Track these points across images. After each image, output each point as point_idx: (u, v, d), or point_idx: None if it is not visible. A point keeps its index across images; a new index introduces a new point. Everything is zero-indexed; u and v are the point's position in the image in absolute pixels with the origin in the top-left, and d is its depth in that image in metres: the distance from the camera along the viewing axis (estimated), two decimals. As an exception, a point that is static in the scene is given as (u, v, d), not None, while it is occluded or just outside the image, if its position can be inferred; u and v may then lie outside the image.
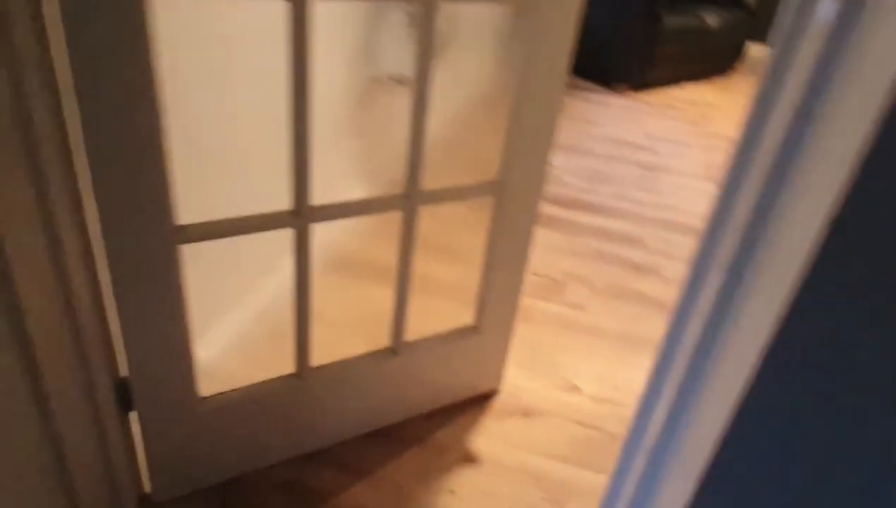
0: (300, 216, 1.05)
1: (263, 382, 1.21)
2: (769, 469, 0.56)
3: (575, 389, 1.63)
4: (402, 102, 1.13)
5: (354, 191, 1.14)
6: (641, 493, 0.85)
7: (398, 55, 1.15)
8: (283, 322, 1.17)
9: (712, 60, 4.33)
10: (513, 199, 1.28)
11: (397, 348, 1.32)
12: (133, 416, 1.11)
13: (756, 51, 5.11)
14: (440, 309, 1.41)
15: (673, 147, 3.26)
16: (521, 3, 1.08)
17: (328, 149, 1.13)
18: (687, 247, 2.35)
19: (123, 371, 1.05)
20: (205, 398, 1.15)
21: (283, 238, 1.09)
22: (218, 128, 1.01)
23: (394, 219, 1.17)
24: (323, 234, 1.15)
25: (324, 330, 1.24)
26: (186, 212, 0.96)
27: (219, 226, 0.99)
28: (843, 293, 0.45)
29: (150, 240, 0.94)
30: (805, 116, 0.55)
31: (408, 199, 1.15)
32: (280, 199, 1.05)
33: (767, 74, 0.64)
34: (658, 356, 0.86)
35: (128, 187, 0.88)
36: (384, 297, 1.28)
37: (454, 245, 1.38)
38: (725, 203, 0.72)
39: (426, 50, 1.02)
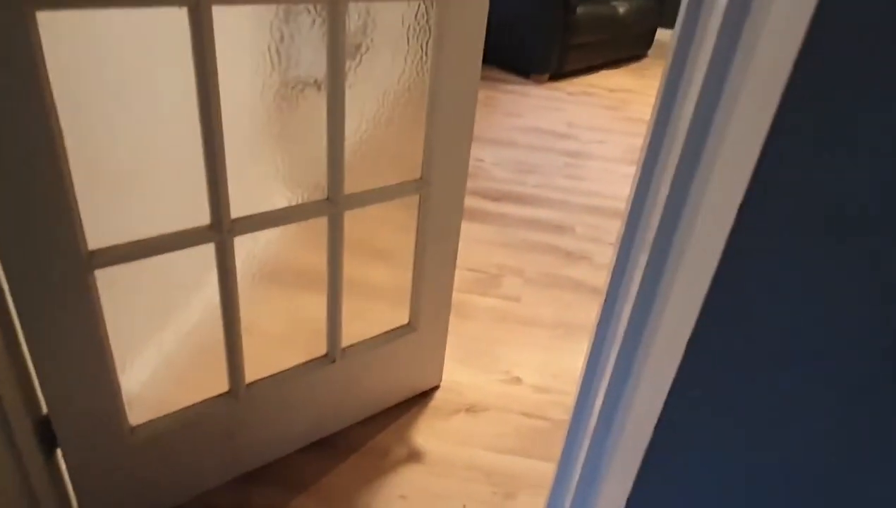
0: (220, 230, 1.01)
1: (197, 404, 1.16)
2: (707, 445, 0.58)
3: (516, 380, 1.64)
4: (320, 106, 1.11)
5: (280, 199, 1.11)
6: (587, 477, 0.86)
7: (312, 58, 1.13)
8: (215, 339, 1.13)
9: (626, 47, 4.46)
10: (437, 196, 1.27)
11: (334, 355, 1.30)
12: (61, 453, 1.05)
13: (666, 36, 5.30)
14: (375, 311, 1.39)
15: (594, 133, 3.33)
16: (431, 1, 1.08)
17: (248, 159, 1.10)
18: (615, 231, 2.42)
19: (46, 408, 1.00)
20: (135, 427, 1.09)
21: (207, 253, 1.05)
22: (127, 146, 0.96)
23: (321, 224, 1.15)
24: (248, 245, 1.12)
25: (258, 343, 1.20)
26: (99, 235, 0.91)
27: (134, 247, 0.94)
28: (763, 264, 0.46)
29: (59, 269, 0.88)
30: (711, 95, 0.56)
31: (332, 204, 1.13)
32: (201, 214, 1.02)
33: (672, 57, 0.66)
34: (592, 341, 0.88)
35: (29, 215, 0.83)
36: (317, 304, 1.26)
37: (383, 245, 1.36)
38: (643, 185, 0.74)
39: (337, 52, 1.00)
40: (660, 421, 0.56)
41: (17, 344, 0.94)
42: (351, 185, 1.15)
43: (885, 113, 0.38)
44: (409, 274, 1.37)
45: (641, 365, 0.72)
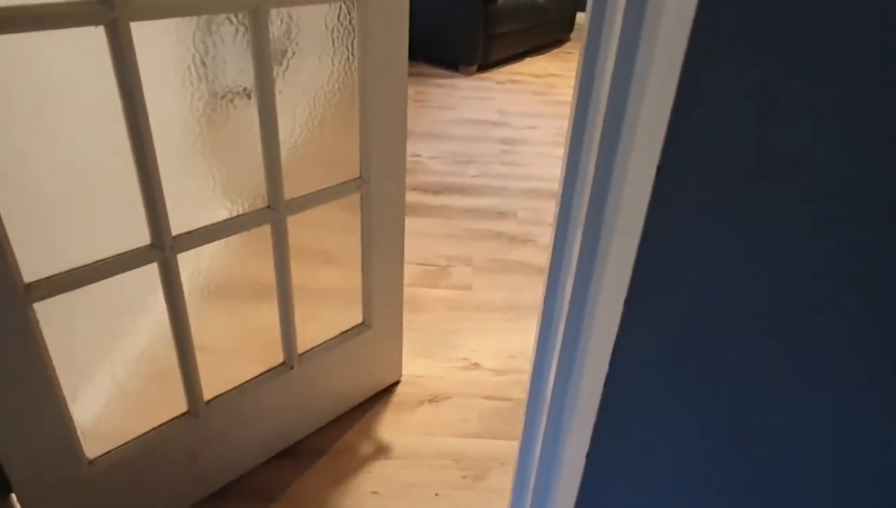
0: (162, 248, 1.00)
1: (156, 428, 1.14)
2: (652, 411, 0.62)
3: (475, 366, 1.67)
4: (252, 114, 1.11)
5: (221, 211, 1.10)
6: (548, 450, 0.89)
7: (239, 67, 1.13)
8: (168, 359, 1.12)
9: (548, 33, 4.55)
10: (378, 193, 1.28)
11: (291, 361, 1.30)
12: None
13: (584, 19, 5.42)
14: (328, 314, 1.40)
15: (525, 119, 3.40)
16: (351, 1, 1.09)
17: (184, 173, 1.08)
18: (554, 211, 2.47)
19: (-8, 451, 0.96)
20: (93, 460, 1.07)
21: (151, 272, 1.03)
22: (55, 170, 0.93)
23: (265, 232, 1.15)
24: (193, 261, 1.11)
25: (213, 358, 1.19)
26: (35, 267, 0.89)
27: (73, 276, 0.92)
28: (686, 225, 0.50)
29: (-5, 305, 0.86)
30: (624, 72, 0.59)
31: (273, 212, 1.13)
32: (141, 233, 1.00)
33: (586, 39, 0.69)
34: (540, 319, 0.91)
35: (-43, 252, 0.80)
36: (270, 313, 1.25)
37: (330, 247, 1.37)
38: (573, 164, 0.77)
39: (263, 60, 1.00)
40: (605, 392, 0.59)
41: (-41, 388, 0.91)
42: (291, 190, 1.15)
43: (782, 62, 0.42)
44: (358, 273, 1.38)
45: (586, 339, 0.75)
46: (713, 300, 0.54)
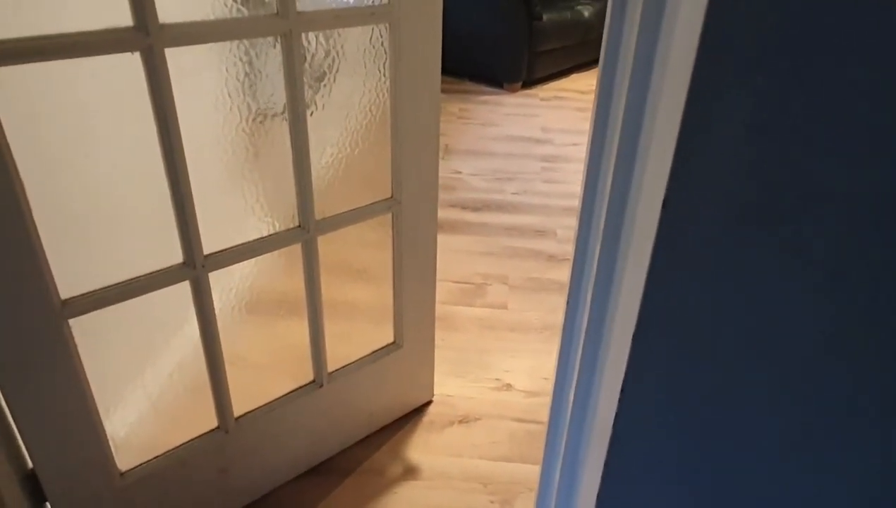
0: (193, 267, 1.02)
1: (187, 443, 1.16)
2: (664, 433, 0.59)
3: (507, 387, 1.65)
4: (284, 134, 1.13)
5: (252, 229, 1.12)
6: (567, 475, 0.87)
7: (274, 89, 1.15)
8: (200, 375, 1.14)
9: (594, 49, 4.51)
10: (409, 213, 1.29)
11: (321, 380, 1.31)
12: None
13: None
14: (359, 332, 1.40)
15: (568, 136, 3.36)
16: (386, 20, 1.10)
17: (217, 192, 1.11)
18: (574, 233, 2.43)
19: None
20: (125, 472, 1.09)
21: (184, 290, 1.05)
22: (92, 191, 0.97)
23: (296, 249, 1.16)
24: (224, 278, 1.13)
25: (243, 374, 1.20)
26: (71, 283, 0.92)
27: (107, 292, 0.95)
28: (693, 253, 0.48)
29: (32, 322, 0.89)
30: (639, 93, 0.58)
31: (304, 231, 1.14)
32: (174, 251, 1.02)
33: (602, 59, 0.68)
34: (561, 339, 0.89)
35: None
36: (301, 330, 1.26)
37: (361, 264, 1.38)
38: (591, 184, 0.75)
39: (295, 82, 1.02)
40: (618, 413, 0.57)
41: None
42: (323, 209, 1.16)
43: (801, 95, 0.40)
44: (390, 291, 1.38)
45: (603, 360, 0.73)
46: (721, 340, 0.52)
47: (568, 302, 0.81)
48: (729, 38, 0.38)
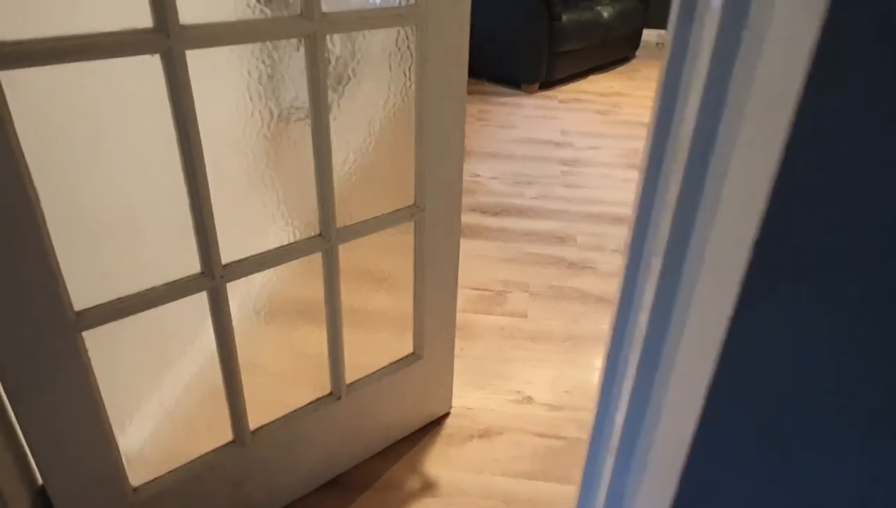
0: (212, 277, 0.98)
1: (201, 456, 1.13)
2: (750, 459, 0.55)
3: (528, 400, 1.60)
4: (306, 136, 1.09)
5: (271, 236, 1.09)
6: (613, 501, 0.82)
7: (295, 89, 1.11)
8: (215, 387, 1.10)
9: (613, 50, 4.45)
10: (432, 220, 1.24)
11: (339, 392, 1.27)
12: (60, 521, 1.01)
13: (652, 36, 5.29)
14: (377, 341, 1.36)
15: (589, 139, 3.31)
16: (413, 21, 1.06)
17: (235, 198, 1.07)
18: (616, 238, 2.38)
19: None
20: (138, 488, 1.06)
21: (200, 299, 1.02)
22: (107, 198, 0.93)
23: (316, 255, 1.12)
24: (242, 286, 1.09)
25: (260, 384, 1.17)
26: (86, 295, 0.89)
27: (122, 304, 0.92)
28: (791, 271, 0.43)
29: (45, 335, 0.85)
30: (716, 96, 0.53)
31: (325, 240, 1.10)
32: (191, 260, 0.99)
33: (669, 57, 0.63)
34: (607, 354, 0.84)
35: (8, 281, 0.80)
36: (318, 338, 1.22)
37: (381, 270, 1.33)
38: (649, 189, 0.70)
39: (318, 87, 0.98)
40: (694, 438, 0.52)
41: (6, 414, 0.92)
42: (344, 217, 1.12)
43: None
44: (410, 299, 1.34)
45: (665, 378, 0.68)
46: (820, 369, 0.47)
47: (617, 311, 0.76)
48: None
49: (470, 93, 3.93)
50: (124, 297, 0.92)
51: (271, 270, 1.11)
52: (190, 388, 1.12)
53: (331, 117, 1.03)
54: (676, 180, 0.61)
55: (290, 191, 1.13)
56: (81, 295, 0.88)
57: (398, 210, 1.20)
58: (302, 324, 1.29)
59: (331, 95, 1.07)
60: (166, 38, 0.81)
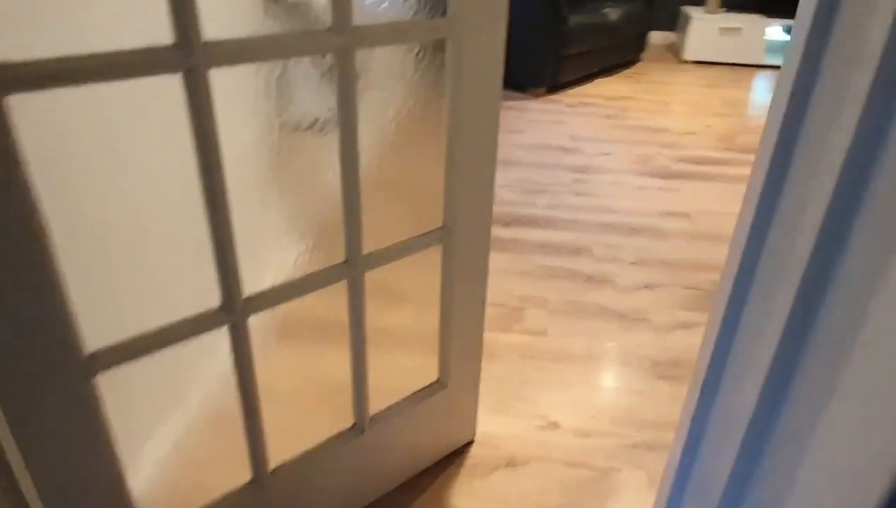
0: (232, 311, 0.91)
1: (218, 500, 1.05)
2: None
3: (554, 426, 1.53)
4: (321, 147, 1.02)
5: (301, 264, 1.01)
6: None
7: (312, 100, 1.03)
8: (231, 424, 1.03)
9: (619, 53, 4.39)
10: (462, 243, 1.17)
11: (362, 425, 1.19)
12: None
13: (658, 39, 5.23)
14: (400, 364, 1.29)
15: (598, 145, 3.24)
16: (448, 34, 0.98)
17: (252, 212, 1.00)
18: (632, 248, 2.31)
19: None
20: (151, 535, 0.98)
21: (221, 334, 0.94)
22: (122, 230, 0.86)
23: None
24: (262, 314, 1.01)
25: (280, 411, 1.09)
26: (97, 334, 0.81)
27: (138, 343, 0.84)
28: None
29: (54, 378, 0.78)
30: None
31: (351, 267, 1.03)
32: (207, 293, 0.91)
33: (792, 66, 0.56)
34: (696, 385, 0.77)
35: (14, 322, 0.72)
36: (338, 360, 1.15)
37: (402, 287, 1.26)
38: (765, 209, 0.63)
39: (348, 103, 0.90)
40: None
41: (8, 463, 0.84)
42: (370, 242, 1.05)
43: None
44: (433, 318, 1.26)
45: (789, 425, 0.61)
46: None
47: (715, 337, 0.69)
48: None
49: (475, 96, 3.86)
50: (138, 336, 0.84)
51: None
52: (205, 425, 1.05)
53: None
54: (820, 206, 0.54)
55: (313, 215, 1.06)
56: (93, 334, 0.81)
57: (427, 233, 1.13)
58: (321, 345, 1.21)
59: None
60: (189, 56, 0.73)
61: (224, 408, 1.03)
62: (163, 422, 1.01)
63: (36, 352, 0.75)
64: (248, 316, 0.93)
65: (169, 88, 0.77)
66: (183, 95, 0.77)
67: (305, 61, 0.99)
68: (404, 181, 1.13)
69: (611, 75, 4.39)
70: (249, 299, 0.93)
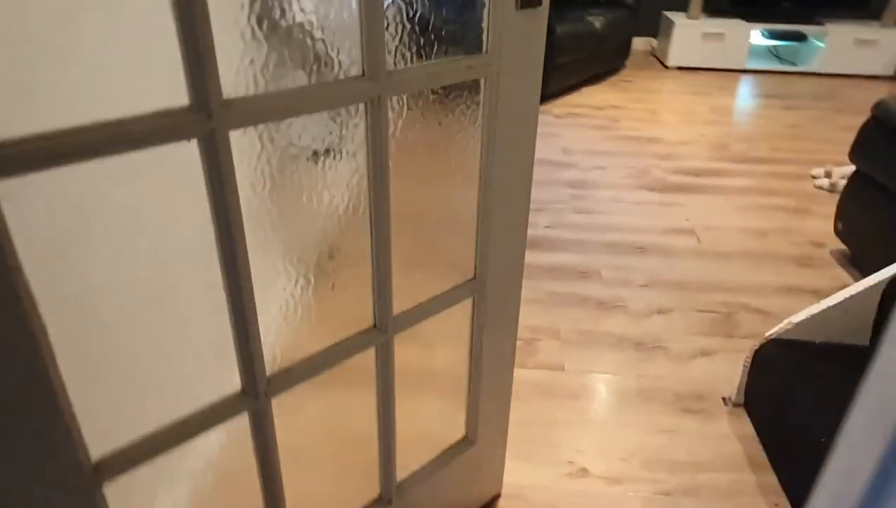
0: (256, 396, 0.80)
1: (237, 595, 0.94)
2: None
3: (583, 472, 1.44)
4: (316, 178, 0.92)
5: (323, 333, 0.90)
6: None
7: (312, 130, 0.93)
8: (247, 486, 0.91)
9: (604, 61, 4.34)
10: (493, 295, 1.08)
11: (389, 495, 1.09)
12: None
13: (640, 45, 5.20)
14: (424, 415, 1.18)
15: (592, 158, 3.18)
16: (484, 73, 0.89)
17: (271, 285, 0.89)
18: (641, 270, 2.24)
19: None
20: None
21: (242, 420, 0.83)
22: (127, 314, 0.75)
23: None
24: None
25: (298, 474, 0.98)
26: (103, 438, 0.70)
27: (149, 443, 0.73)
28: None
29: (57, 493, 0.66)
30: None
31: (380, 332, 0.93)
32: (219, 371, 0.80)
33: None
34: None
35: (9, 432, 0.61)
36: (361, 405, 1.03)
37: (425, 337, 1.16)
38: None
39: (380, 160, 0.80)
40: None
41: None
42: (398, 301, 0.95)
43: None
44: (458, 366, 1.17)
45: None
46: None
47: None
48: None
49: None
50: (150, 435, 0.73)
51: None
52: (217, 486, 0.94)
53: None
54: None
55: (312, 225, 0.95)
56: (98, 439, 0.69)
57: (457, 286, 1.03)
58: (342, 392, 1.10)
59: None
60: (207, 119, 0.63)
61: (238, 480, 0.92)
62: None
63: (36, 465, 0.64)
64: (271, 397, 0.82)
65: (178, 154, 0.66)
66: (199, 161, 0.66)
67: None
68: (429, 228, 1.03)
69: (597, 84, 4.33)
70: (273, 378, 0.82)
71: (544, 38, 0.91)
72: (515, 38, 0.87)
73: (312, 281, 0.90)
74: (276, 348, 0.86)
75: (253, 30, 0.73)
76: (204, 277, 0.74)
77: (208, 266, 0.73)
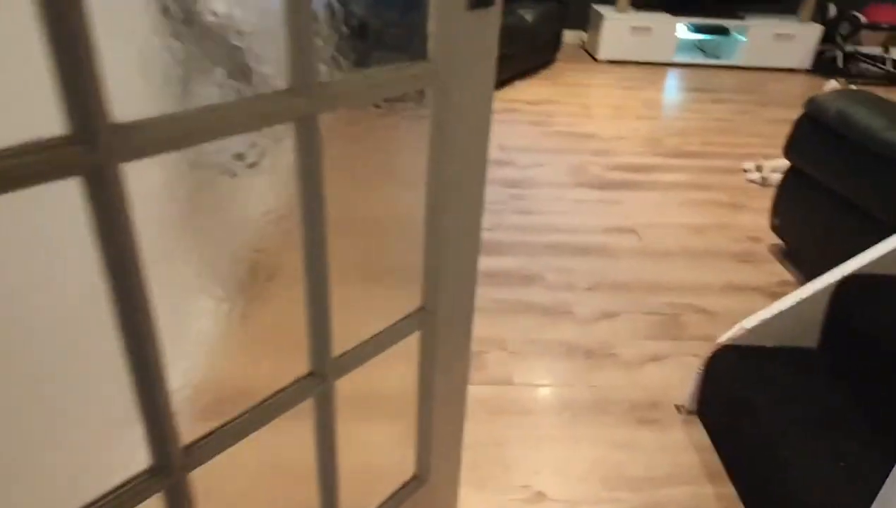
0: (169, 473, 0.67)
1: None
2: None
3: (540, 497, 1.36)
4: (234, 188, 0.80)
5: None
6: None
7: (233, 143, 0.81)
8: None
9: (536, 55, 4.29)
10: (444, 323, 0.97)
11: (334, 552, 0.97)
12: None
13: (571, 38, 5.19)
14: (368, 446, 1.07)
15: (530, 155, 3.11)
16: (430, 83, 0.78)
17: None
18: (584, 272, 2.19)
19: None
20: None
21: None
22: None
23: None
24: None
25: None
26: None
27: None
28: None
29: None
30: None
31: (318, 380, 0.81)
32: (126, 448, 0.67)
33: None
34: None
35: None
36: (298, 448, 0.91)
37: (364, 371, 1.04)
38: None
39: (312, 184, 0.68)
40: None
41: None
42: (337, 341, 0.83)
43: None
44: (406, 401, 1.06)
45: None
46: None
47: None
48: None
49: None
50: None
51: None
52: None
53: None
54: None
55: (228, 241, 0.83)
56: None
57: (404, 318, 0.92)
58: (277, 439, 0.98)
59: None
60: (91, 152, 0.49)
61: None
62: None
63: None
64: (187, 471, 0.69)
65: (59, 194, 0.52)
66: (82, 202, 0.52)
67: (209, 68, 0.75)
68: (382, 256, 0.92)
69: (529, 78, 4.28)
70: (189, 447, 0.69)
71: (497, 42, 0.80)
72: (465, 42, 0.76)
73: (236, 325, 0.77)
74: (193, 408, 0.72)
75: (155, 35, 0.60)
76: (97, 338, 0.61)
77: (101, 323, 0.60)
